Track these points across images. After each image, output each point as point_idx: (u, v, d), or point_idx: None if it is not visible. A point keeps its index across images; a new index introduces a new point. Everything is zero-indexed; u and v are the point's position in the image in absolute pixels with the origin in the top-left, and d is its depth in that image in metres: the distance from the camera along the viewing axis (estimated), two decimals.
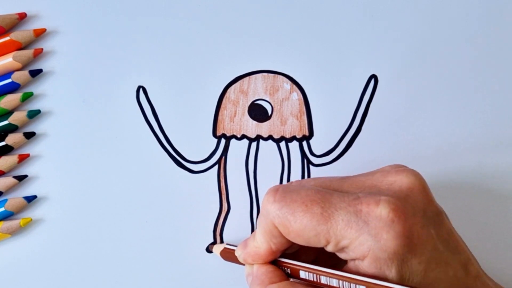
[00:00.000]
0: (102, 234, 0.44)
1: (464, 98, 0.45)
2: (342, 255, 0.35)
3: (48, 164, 0.44)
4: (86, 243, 0.44)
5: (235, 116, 0.45)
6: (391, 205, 0.34)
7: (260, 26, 0.45)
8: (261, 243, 0.38)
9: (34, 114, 0.44)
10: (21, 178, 0.43)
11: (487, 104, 0.45)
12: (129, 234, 0.44)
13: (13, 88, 0.44)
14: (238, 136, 0.45)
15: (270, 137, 0.45)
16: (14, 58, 0.43)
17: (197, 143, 0.44)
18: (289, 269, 0.38)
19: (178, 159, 0.44)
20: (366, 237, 0.33)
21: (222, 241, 0.44)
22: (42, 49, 0.44)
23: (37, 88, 0.44)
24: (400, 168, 0.37)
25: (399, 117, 0.45)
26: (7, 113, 0.43)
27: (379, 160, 0.44)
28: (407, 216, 0.34)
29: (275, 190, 0.36)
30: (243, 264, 0.40)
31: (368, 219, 0.34)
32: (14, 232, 0.43)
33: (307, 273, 0.36)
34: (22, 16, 0.44)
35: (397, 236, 0.33)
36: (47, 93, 0.44)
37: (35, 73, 0.44)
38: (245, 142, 0.45)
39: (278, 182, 0.44)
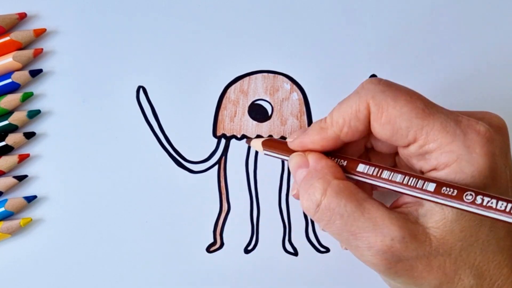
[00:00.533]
0: (102, 234, 0.44)
1: (464, 98, 0.45)
2: (418, 161, 0.34)
3: (48, 164, 0.44)
4: (86, 243, 0.44)
5: (235, 116, 0.45)
6: (488, 127, 0.33)
7: (260, 26, 0.45)
8: (333, 123, 0.36)
9: (34, 114, 0.44)
10: (21, 178, 0.43)
11: (487, 104, 0.45)
12: (129, 234, 0.44)
13: (13, 88, 0.44)
14: (238, 136, 0.45)
15: (270, 137, 0.45)
16: (14, 58, 0.43)
17: (197, 143, 0.44)
18: (345, 162, 0.35)
19: (178, 159, 0.44)
20: (459, 145, 0.33)
21: (222, 241, 0.44)
22: (42, 49, 0.44)
23: (37, 88, 0.44)
24: (489, 111, 0.36)
25: None
26: (7, 113, 0.43)
27: None
28: (497, 145, 0.33)
29: (380, 78, 0.36)
30: (285, 156, 0.38)
31: (467, 130, 0.33)
32: (14, 232, 0.43)
33: (367, 166, 0.34)
34: (22, 16, 0.44)
35: (489, 155, 0.33)
36: (47, 93, 0.44)
37: (35, 73, 0.44)
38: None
39: (278, 182, 0.44)
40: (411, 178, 0.33)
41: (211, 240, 0.44)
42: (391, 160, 0.39)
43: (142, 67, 0.45)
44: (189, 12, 0.45)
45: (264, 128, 0.45)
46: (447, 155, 0.33)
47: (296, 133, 0.38)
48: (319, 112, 0.45)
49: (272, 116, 0.45)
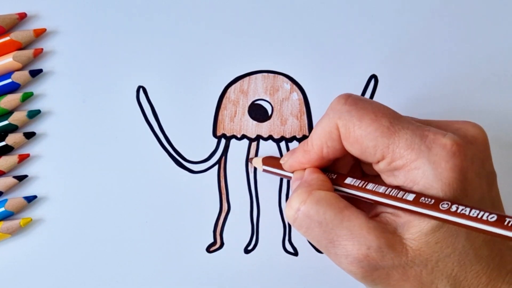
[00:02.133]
0: (102, 234, 0.44)
1: (464, 98, 0.45)
2: (389, 179, 0.35)
3: (48, 164, 0.44)
4: (86, 243, 0.44)
5: (235, 116, 0.45)
6: (456, 140, 0.33)
7: (260, 26, 0.45)
8: (313, 146, 0.37)
9: (34, 114, 0.44)
10: (21, 178, 0.43)
11: (487, 104, 0.45)
12: (129, 234, 0.44)
13: (13, 88, 0.43)
14: (238, 136, 0.45)
15: (270, 137, 0.45)
16: (14, 58, 0.43)
17: (197, 143, 0.44)
18: (335, 175, 0.37)
19: (178, 159, 0.44)
20: (424, 161, 0.33)
21: (222, 241, 0.44)
22: (42, 49, 0.44)
23: (37, 88, 0.44)
24: (467, 121, 0.37)
25: None
26: (7, 113, 0.43)
27: None
28: (467, 156, 0.33)
29: (347, 95, 0.36)
30: (286, 176, 0.39)
31: (432, 146, 0.33)
32: (14, 232, 0.43)
33: (354, 179, 0.36)
34: (22, 16, 0.44)
35: (456, 169, 0.33)
36: (47, 93, 0.44)
37: (35, 73, 0.44)
38: (245, 142, 0.45)
39: (278, 182, 0.44)
40: (393, 190, 0.34)
41: (211, 240, 0.44)
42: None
43: (142, 67, 0.45)
44: (189, 12, 0.45)
45: (264, 128, 0.45)
46: (414, 172, 0.33)
47: (287, 155, 0.40)
48: (319, 112, 0.45)
49: (272, 116, 0.45)
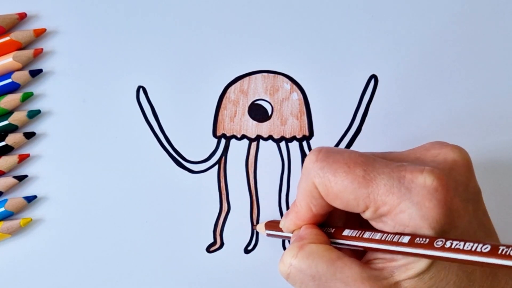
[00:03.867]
0: (102, 234, 0.44)
1: (464, 98, 0.45)
2: (379, 225, 0.35)
3: (48, 164, 0.44)
4: (86, 243, 0.44)
5: (235, 116, 0.45)
6: (435, 174, 0.33)
7: (260, 26, 0.45)
8: (301, 206, 0.37)
9: (34, 114, 0.44)
10: (21, 178, 0.43)
11: (487, 104, 0.45)
12: (129, 234, 0.44)
13: (13, 88, 0.43)
14: (238, 136, 0.45)
15: (270, 137, 0.45)
16: (14, 58, 0.43)
17: (197, 143, 0.44)
18: (333, 229, 0.37)
19: (178, 159, 0.44)
20: (407, 204, 0.33)
21: (222, 241, 0.44)
22: (42, 49, 0.44)
23: (37, 88, 0.44)
24: (444, 143, 0.36)
25: (399, 117, 0.45)
26: (7, 113, 0.43)
27: None
28: (449, 187, 0.33)
29: (318, 150, 0.36)
30: (288, 237, 0.39)
31: (411, 186, 0.33)
32: (14, 232, 0.43)
33: (351, 231, 0.36)
34: (22, 16, 0.44)
35: (440, 205, 0.33)
36: (47, 93, 0.44)
37: (35, 73, 0.44)
38: (245, 142, 0.45)
39: (278, 182, 0.44)
40: (389, 235, 0.34)
41: (211, 240, 0.44)
42: None
43: (142, 67, 0.45)
44: (189, 12, 0.45)
45: (264, 128, 0.45)
46: (401, 215, 0.33)
47: (283, 218, 0.39)
48: (319, 112, 0.45)
49: (272, 116, 0.45)
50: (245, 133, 0.45)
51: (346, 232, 0.36)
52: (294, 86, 0.45)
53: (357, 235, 0.35)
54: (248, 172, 0.45)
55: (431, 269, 0.33)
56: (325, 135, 0.45)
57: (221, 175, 0.44)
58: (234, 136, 0.45)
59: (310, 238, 0.36)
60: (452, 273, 0.34)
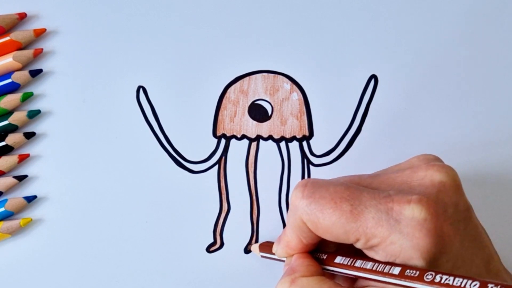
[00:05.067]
0: (102, 234, 0.44)
1: (464, 97, 0.45)
2: (371, 254, 0.35)
3: (48, 164, 0.44)
4: (86, 243, 0.44)
5: (235, 116, 0.45)
6: (423, 203, 0.33)
7: (261, 26, 0.45)
8: (291, 237, 0.37)
9: (34, 114, 0.44)
10: (21, 178, 0.43)
11: (487, 103, 0.45)
12: (129, 234, 0.44)
13: (13, 88, 0.43)
14: (238, 136, 0.45)
15: (270, 137, 0.45)
16: (14, 58, 0.43)
17: (197, 143, 0.44)
18: (325, 256, 0.37)
19: (178, 159, 0.44)
20: (397, 235, 0.33)
21: (222, 241, 0.44)
22: (42, 49, 0.44)
23: (37, 88, 0.44)
24: (430, 163, 0.36)
25: (399, 117, 0.45)
26: (7, 113, 0.43)
27: (379, 160, 0.44)
28: (438, 213, 0.33)
29: (303, 185, 0.36)
30: (282, 261, 0.40)
31: (400, 218, 0.33)
32: (14, 232, 0.43)
33: (343, 258, 0.36)
34: (22, 16, 0.44)
35: (430, 235, 0.33)
36: (47, 93, 0.44)
37: (35, 73, 0.44)
38: (245, 142, 0.45)
39: (278, 182, 0.44)
40: (380, 265, 0.34)
41: (211, 240, 0.44)
42: None
43: (142, 67, 0.45)
44: (189, 12, 0.45)
45: (264, 128, 0.45)
46: (391, 247, 0.33)
47: (275, 243, 0.40)
48: (319, 112, 0.45)
49: (272, 116, 0.45)
50: (245, 133, 0.45)
51: (338, 260, 0.36)
52: (294, 86, 0.45)
53: (349, 263, 0.35)
54: (248, 172, 0.45)
55: None
56: (325, 135, 0.45)
57: (221, 175, 0.44)
58: (234, 136, 0.45)
59: (302, 271, 0.36)
60: None
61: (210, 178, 0.44)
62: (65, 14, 0.44)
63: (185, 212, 0.44)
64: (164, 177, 0.44)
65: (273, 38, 0.45)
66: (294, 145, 0.45)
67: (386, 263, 0.34)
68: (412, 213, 0.33)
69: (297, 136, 0.45)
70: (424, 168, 0.35)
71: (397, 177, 0.36)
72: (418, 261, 0.33)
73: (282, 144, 0.45)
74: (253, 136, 0.45)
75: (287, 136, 0.45)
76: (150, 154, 0.44)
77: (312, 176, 0.44)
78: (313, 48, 0.45)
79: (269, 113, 0.45)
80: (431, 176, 0.35)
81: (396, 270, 0.33)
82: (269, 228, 0.44)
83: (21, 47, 0.44)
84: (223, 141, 0.45)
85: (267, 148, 0.45)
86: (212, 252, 0.44)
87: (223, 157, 0.44)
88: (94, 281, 0.44)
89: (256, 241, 0.44)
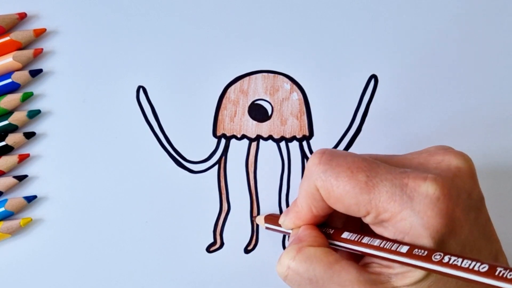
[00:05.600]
0: (102, 234, 0.44)
1: (464, 97, 0.45)
2: (379, 230, 0.35)
3: (48, 164, 0.44)
4: (86, 243, 0.44)
5: (235, 116, 0.45)
6: (438, 182, 0.33)
7: (260, 26, 0.45)
8: (302, 207, 0.37)
9: (34, 114, 0.44)
10: (21, 178, 0.43)
11: (487, 103, 0.45)
12: (129, 234, 0.44)
13: (13, 88, 0.43)
14: (238, 136, 0.45)
15: (270, 137, 0.45)
16: (14, 58, 0.43)
17: (197, 143, 0.44)
18: (332, 230, 0.37)
19: (178, 159, 0.44)
20: (409, 212, 0.33)
21: (222, 241, 0.44)
22: (42, 49, 0.44)
23: (37, 88, 0.44)
24: (448, 149, 0.36)
25: (399, 117, 0.45)
26: (7, 113, 0.43)
27: None
28: (452, 196, 0.33)
29: (321, 153, 0.36)
30: (286, 233, 0.40)
31: (413, 195, 0.33)
32: (14, 232, 0.43)
33: (350, 234, 0.36)
34: (22, 16, 0.44)
35: (441, 214, 0.32)
36: (47, 93, 0.44)
37: (35, 73, 0.44)
38: (245, 142, 0.45)
39: (278, 182, 0.44)
40: (387, 243, 0.34)
41: (211, 240, 0.44)
42: None
43: (142, 67, 0.45)
44: (189, 12, 0.45)
45: (264, 128, 0.45)
46: (401, 223, 0.33)
47: (283, 214, 0.39)
48: (319, 112, 0.45)
49: (272, 116, 0.45)
50: (245, 133, 0.45)
51: (345, 235, 0.36)
52: (294, 86, 0.45)
53: (356, 239, 0.35)
54: (248, 172, 0.45)
55: (429, 278, 0.33)
56: (325, 135, 0.45)
57: (221, 175, 0.44)
58: (234, 136, 0.45)
59: (309, 241, 0.36)
60: (452, 282, 0.34)
61: (210, 178, 0.44)
62: (65, 14, 0.44)
63: (185, 212, 0.44)
64: (164, 177, 0.44)
65: (273, 38, 0.45)
66: (294, 145, 0.45)
67: (394, 241, 0.33)
68: (427, 190, 0.33)
69: (297, 136, 0.45)
70: (441, 153, 0.36)
71: (414, 159, 0.36)
72: (427, 240, 0.33)
73: (282, 144, 0.45)
74: (253, 136, 0.45)
75: (287, 136, 0.45)
76: (150, 154, 0.44)
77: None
78: (313, 48, 0.45)
79: (269, 113, 0.45)
80: (448, 161, 0.35)
81: (404, 249, 0.33)
82: None
83: (21, 47, 0.44)
84: (223, 141, 0.45)
85: (267, 148, 0.45)
86: (212, 252, 0.44)
87: (223, 157, 0.44)
88: (94, 281, 0.44)
89: (256, 241, 0.44)
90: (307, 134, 0.45)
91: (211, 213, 0.44)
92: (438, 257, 0.31)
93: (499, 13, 0.45)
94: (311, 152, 0.45)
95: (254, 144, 0.45)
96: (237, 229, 0.44)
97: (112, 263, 0.44)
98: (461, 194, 0.34)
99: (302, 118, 0.45)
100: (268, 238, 0.44)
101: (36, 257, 0.44)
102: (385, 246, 0.34)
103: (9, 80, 0.43)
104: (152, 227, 0.44)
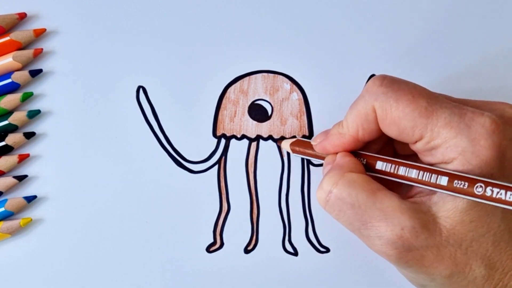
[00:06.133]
0: (102, 234, 0.44)
1: (464, 97, 0.45)
2: (425, 158, 0.35)
3: (48, 164, 0.44)
4: (86, 243, 0.44)
5: (235, 116, 0.45)
6: (494, 119, 0.34)
7: (260, 26, 0.45)
8: (349, 128, 0.37)
9: (34, 114, 0.44)
10: (21, 178, 0.43)
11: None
12: (129, 234, 0.44)
13: (13, 88, 0.44)
14: (238, 136, 0.45)
15: (270, 137, 0.45)
16: (14, 58, 0.43)
17: (197, 143, 0.44)
18: (365, 159, 0.37)
19: (178, 159, 0.44)
20: (463, 139, 0.33)
21: (222, 241, 0.44)
22: (42, 49, 0.44)
23: (37, 88, 0.44)
24: (504, 102, 0.37)
25: None
26: (7, 113, 0.43)
27: None
28: (505, 135, 0.34)
29: (383, 77, 0.36)
30: (315, 157, 0.40)
31: (471, 124, 0.33)
32: (14, 232, 0.43)
33: (385, 163, 0.36)
34: (22, 16, 0.44)
35: (494, 146, 0.33)
36: (47, 93, 0.44)
37: (35, 73, 0.44)
38: (245, 142, 0.45)
39: (278, 182, 0.44)
40: (426, 173, 0.34)
41: (211, 240, 0.44)
42: None
43: (142, 67, 0.45)
44: (189, 12, 0.45)
45: (264, 128, 0.45)
46: (453, 149, 0.33)
47: (319, 136, 0.40)
48: (319, 112, 0.45)
49: (272, 116, 0.45)
50: (245, 133, 0.45)
51: (380, 165, 0.36)
52: (294, 86, 0.45)
53: (392, 170, 0.36)
54: (248, 172, 0.45)
55: (472, 212, 0.33)
56: None
57: (221, 175, 0.44)
58: (234, 136, 0.45)
59: (350, 167, 0.36)
60: (494, 222, 0.34)
61: (210, 178, 0.44)
62: (65, 14, 0.44)
63: (185, 212, 0.44)
64: (164, 177, 0.44)
65: (273, 38, 0.45)
66: None
67: (433, 171, 0.34)
68: (484, 121, 0.33)
69: (297, 136, 0.45)
70: (498, 103, 0.37)
71: (470, 102, 0.37)
72: (474, 169, 0.33)
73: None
74: (253, 136, 0.45)
75: (287, 136, 0.45)
76: (150, 154, 0.44)
77: (312, 176, 0.44)
78: (313, 48, 0.45)
79: (269, 113, 0.45)
80: (503, 110, 0.36)
81: (444, 180, 0.33)
82: (269, 228, 0.44)
83: (21, 47, 0.44)
84: (223, 141, 0.45)
85: (267, 148, 0.45)
86: (212, 252, 0.44)
87: (223, 157, 0.44)
88: (94, 281, 0.44)
89: (256, 241, 0.44)
90: (307, 134, 0.45)
91: (211, 213, 0.44)
92: (480, 189, 0.32)
93: (498, 13, 0.45)
94: None
95: (254, 144, 0.45)
96: (237, 229, 0.44)
97: (112, 263, 0.44)
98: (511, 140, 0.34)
99: (302, 118, 0.45)
100: (268, 238, 0.44)
101: (36, 257, 0.44)
102: (423, 178, 0.34)
103: (9, 80, 0.43)
104: (152, 227, 0.44)
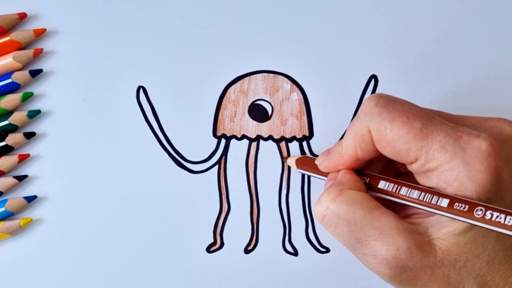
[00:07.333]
0: (102, 234, 0.44)
1: (464, 97, 0.45)
2: (421, 179, 0.35)
3: (48, 164, 0.44)
4: (86, 243, 0.44)
5: (235, 116, 0.45)
6: (491, 141, 0.33)
7: (260, 26, 0.45)
8: (347, 148, 0.37)
9: (34, 114, 0.44)
10: (21, 178, 0.43)
11: (488, 103, 0.45)
12: (129, 234, 0.44)
13: (13, 88, 0.43)
14: (238, 136, 0.45)
15: (270, 137, 0.45)
16: (14, 58, 0.43)
17: (197, 143, 0.44)
18: (368, 178, 0.37)
19: (178, 159, 0.44)
20: (458, 163, 0.33)
21: (222, 241, 0.44)
22: (42, 49, 0.44)
23: (37, 88, 0.44)
24: (502, 118, 0.36)
25: None
26: (7, 113, 0.43)
27: None
28: (501, 157, 0.33)
29: (378, 96, 0.36)
30: (319, 174, 0.40)
31: (466, 147, 0.33)
32: (14, 232, 0.43)
33: (387, 183, 0.36)
34: (22, 16, 0.44)
35: (490, 170, 0.33)
36: (47, 93, 0.44)
37: (35, 73, 0.44)
38: (245, 142, 0.45)
39: (278, 182, 0.44)
40: (427, 194, 0.34)
41: (211, 240, 0.44)
42: None
43: (142, 67, 0.45)
44: (189, 12, 0.45)
45: (264, 128, 0.45)
46: (448, 173, 0.33)
47: (322, 155, 0.40)
48: (319, 112, 0.45)
49: (272, 116, 0.45)
50: (245, 133, 0.45)
51: (382, 185, 0.36)
52: (294, 86, 0.45)
53: (394, 190, 0.35)
54: (248, 172, 0.45)
55: (467, 234, 0.33)
56: (325, 135, 0.45)
57: (221, 175, 0.44)
58: (234, 136, 0.45)
59: (350, 184, 0.36)
60: (489, 243, 0.34)
61: (210, 178, 0.44)
62: (65, 14, 0.44)
63: (185, 212, 0.44)
64: (164, 177, 0.44)
65: (273, 38, 0.45)
66: (294, 145, 0.45)
67: (434, 193, 0.33)
68: (480, 144, 0.33)
69: (297, 136, 0.45)
70: (495, 120, 0.36)
71: (468, 120, 0.37)
72: (471, 194, 0.33)
73: (282, 144, 0.45)
74: (253, 136, 0.45)
75: (287, 136, 0.45)
76: (150, 154, 0.44)
77: (312, 177, 0.44)
78: (313, 48, 0.45)
79: (269, 113, 0.45)
80: (501, 127, 0.36)
81: (445, 202, 0.33)
82: (269, 228, 0.44)
83: (21, 47, 0.44)
84: (223, 141, 0.45)
85: (267, 148, 0.45)
86: (212, 252, 0.44)
87: (223, 157, 0.44)
88: (94, 281, 0.44)
89: (256, 241, 0.44)
90: (307, 134, 0.45)
91: (211, 213, 0.44)
92: (480, 213, 0.31)
93: (499, 13, 0.45)
94: (311, 152, 0.45)
95: (254, 144, 0.45)
96: (237, 229, 0.44)
97: (112, 263, 0.44)
98: (510, 159, 0.34)
99: (302, 118, 0.45)
100: (268, 238, 0.44)
101: (36, 257, 0.44)
102: (424, 199, 0.34)
103: (9, 80, 0.43)
104: (152, 227, 0.44)
